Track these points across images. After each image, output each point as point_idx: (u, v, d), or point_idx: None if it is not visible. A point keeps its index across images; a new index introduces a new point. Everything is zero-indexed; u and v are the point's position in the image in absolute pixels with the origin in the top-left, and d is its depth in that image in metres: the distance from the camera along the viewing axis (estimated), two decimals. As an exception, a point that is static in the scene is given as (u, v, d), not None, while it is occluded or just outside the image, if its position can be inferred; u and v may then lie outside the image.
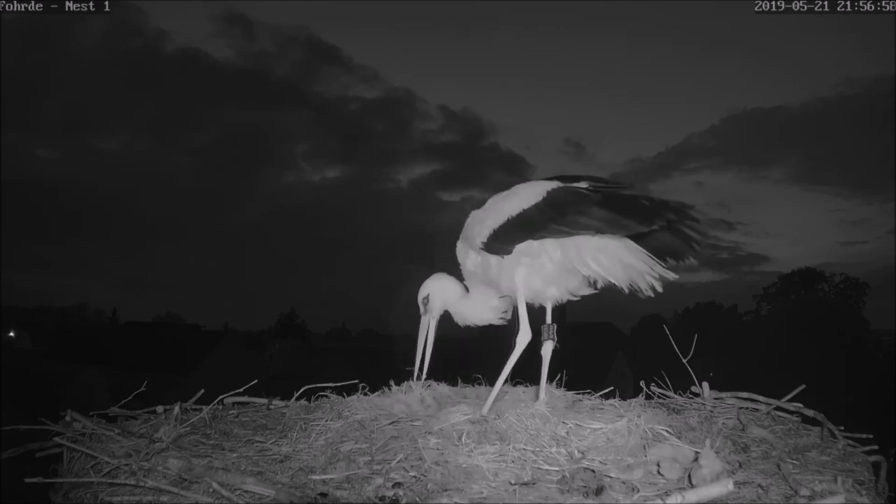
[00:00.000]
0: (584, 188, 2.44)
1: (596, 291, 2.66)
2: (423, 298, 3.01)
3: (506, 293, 2.78)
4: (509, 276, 2.62)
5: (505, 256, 2.59)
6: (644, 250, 2.38)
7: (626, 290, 2.48)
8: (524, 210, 2.48)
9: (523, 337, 2.60)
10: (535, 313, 2.78)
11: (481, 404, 2.57)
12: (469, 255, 2.81)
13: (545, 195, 2.45)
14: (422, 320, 3.04)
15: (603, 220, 2.29)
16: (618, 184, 2.48)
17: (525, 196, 2.51)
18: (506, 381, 2.95)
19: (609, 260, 2.40)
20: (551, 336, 2.74)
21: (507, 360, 2.79)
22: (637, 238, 2.38)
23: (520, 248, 2.54)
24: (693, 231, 2.37)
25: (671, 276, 2.40)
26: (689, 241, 2.39)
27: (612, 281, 2.46)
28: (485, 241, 2.62)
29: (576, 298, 2.75)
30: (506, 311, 2.92)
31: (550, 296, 2.72)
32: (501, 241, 2.57)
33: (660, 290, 2.43)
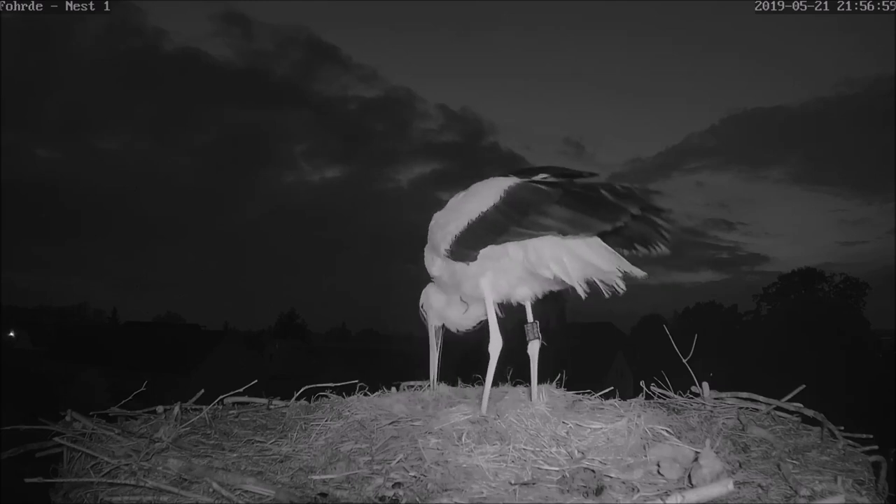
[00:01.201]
0: (543, 183, 2.32)
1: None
2: (421, 309, 3.00)
3: (472, 299, 2.72)
4: (475, 282, 2.55)
5: (470, 263, 2.51)
6: (609, 248, 2.28)
7: (584, 295, 2.35)
8: (484, 212, 2.37)
9: (494, 345, 2.54)
10: (521, 312, 2.74)
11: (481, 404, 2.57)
12: (435, 262, 2.73)
13: (503, 194, 2.33)
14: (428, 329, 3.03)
15: (565, 221, 2.18)
16: (578, 174, 2.37)
17: (484, 196, 2.40)
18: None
19: (571, 261, 2.29)
20: (536, 334, 2.67)
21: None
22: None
23: (483, 252, 2.44)
24: (661, 219, 2.28)
25: (639, 273, 2.27)
26: (658, 228, 2.30)
27: (572, 284, 2.33)
28: (448, 247, 2.52)
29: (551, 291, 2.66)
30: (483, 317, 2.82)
31: (522, 295, 2.63)
32: (465, 246, 2.47)
33: (624, 288, 2.31)
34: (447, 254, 2.56)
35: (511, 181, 2.38)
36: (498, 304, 2.65)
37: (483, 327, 2.89)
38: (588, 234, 2.22)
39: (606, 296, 2.33)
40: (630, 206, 2.13)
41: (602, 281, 2.31)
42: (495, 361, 2.56)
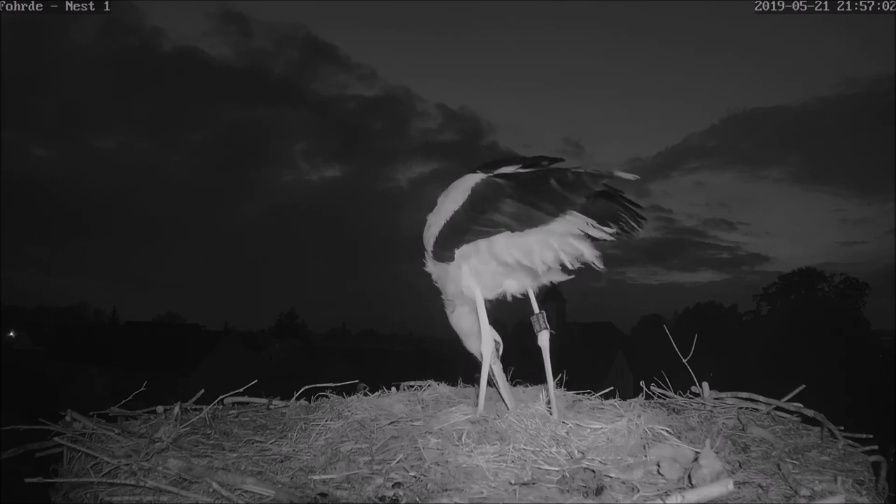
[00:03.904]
0: (504, 176, 2.28)
1: (571, 275, 2.47)
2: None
3: (462, 299, 2.67)
4: (458, 281, 2.53)
5: (450, 263, 2.51)
6: (577, 214, 2.14)
7: (544, 272, 2.32)
8: (454, 213, 2.38)
9: (486, 345, 2.52)
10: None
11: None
12: (428, 265, 2.74)
13: (469, 192, 2.33)
14: None
15: (513, 217, 2.17)
16: (541, 161, 2.28)
17: (455, 196, 2.40)
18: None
19: (536, 241, 2.23)
20: (544, 324, 2.61)
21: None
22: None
23: (458, 252, 2.44)
24: (628, 200, 2.19)
25: (606, 235, 2.17)
26: (625, 208, 2.19)
27: (535, 267, 2.28)
28: (432, 250, 2.56)
29: (549, 282, 2.57)
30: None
31: (513, 288, 2.57)
32: (442, 247, 2.49)
33: (601, 267, 2.24)
34: (432, 255, 2.60)
35: (477, 177, 2.37)
36: (494, 302, 2.62)
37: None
38: (535, 227, 2.16)
39: (570, 266, 2.27)
40: (575, 196, 2.07)
41: (574, 256, 2.24)
42: (489, 361, 2.55)
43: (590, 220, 2.15)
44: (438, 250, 2.53)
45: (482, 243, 2.36)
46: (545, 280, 2.56)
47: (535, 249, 2.26)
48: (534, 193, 2.15)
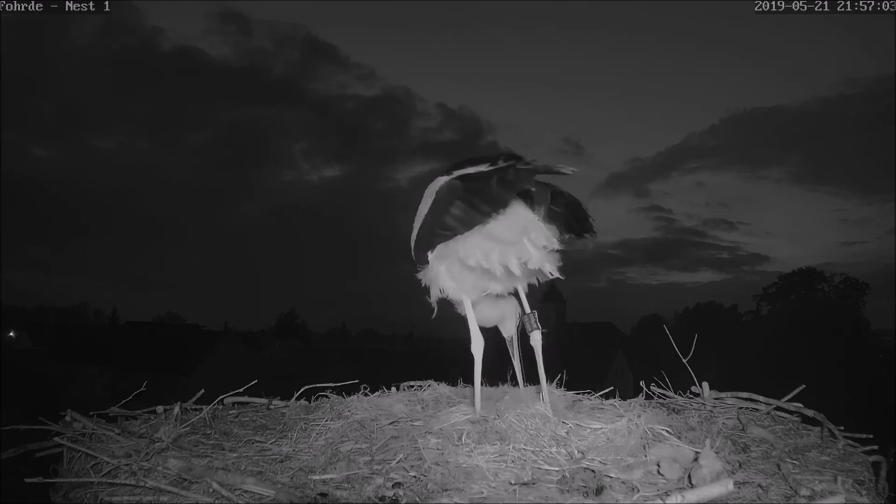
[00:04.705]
0: (462, 177, 2.23)
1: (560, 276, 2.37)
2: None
3: (449, 301, 2.63)
4: (438, 284, 2.50)
5: (428, 266, 2.48)
6: (526, 214, 2.12)
7: (498, 272, 2.23)
8: (424, 216, 2.37)
9: (475, 345, 2.51)
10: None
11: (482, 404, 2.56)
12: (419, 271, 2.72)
13: (434, 195, 2.32)
14: None
15: (459, 220, 2.14)
16: (498, 161, 2.19)
17: (426, 199, 2.39)
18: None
19: (490, 244, 2.18)
20: (535, 324, 2.60)
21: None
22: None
23: (432, 254, 2.41)
24: (572, 199, 2.15)
25: (554, 244, 2.13)
26: (571, 206, 2.16)
27: (493, 270, 2.23)
28: (412, 253, 2.54)
29: (537, 282, 2.54)
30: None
31: (497, 289, 2.53)
32: (417, 250, 2.47)
33: (556, 273, 2.21)
34: (414, 259, 2.56)
35: (443, 179, 2.34)
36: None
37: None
38: (476, 228, 2.13)
39: (517, 272, 2.21)
40: (510, 194, 2.04)
41: (523, 259, 2.18)
42: (480, 362, 2.54)
43: (530, 221, 2.10)
44: (415, 253, 2.52)
45: (451, 245, 2.32)
46: (527, 281, 2.52)
47: (490, 252, 2.20)
48: (477, 194, 2.11)
